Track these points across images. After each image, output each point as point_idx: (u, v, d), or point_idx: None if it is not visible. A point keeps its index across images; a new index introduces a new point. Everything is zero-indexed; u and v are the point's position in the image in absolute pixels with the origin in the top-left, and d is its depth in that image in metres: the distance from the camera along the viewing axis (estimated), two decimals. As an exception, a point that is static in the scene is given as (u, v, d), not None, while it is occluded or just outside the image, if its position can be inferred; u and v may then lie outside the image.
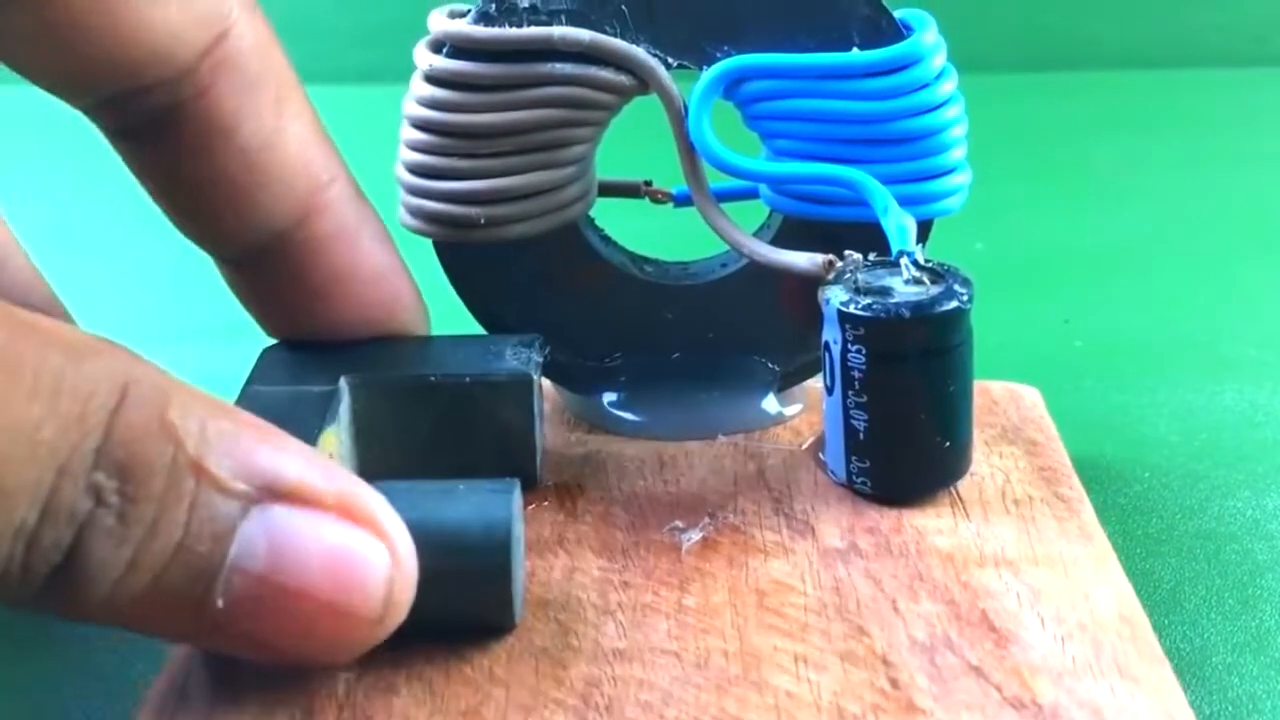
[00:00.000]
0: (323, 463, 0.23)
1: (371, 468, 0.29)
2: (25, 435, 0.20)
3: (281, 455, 0.23)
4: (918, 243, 0.30)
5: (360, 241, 0.30)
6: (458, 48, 0.30)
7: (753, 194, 0.33)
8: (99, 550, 0.21)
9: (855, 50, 0.30)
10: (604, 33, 0.30)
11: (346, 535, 0.23)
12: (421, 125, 0.31)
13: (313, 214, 0.29)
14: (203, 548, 0.22)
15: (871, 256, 0.30)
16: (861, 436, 0.29)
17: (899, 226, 0.29)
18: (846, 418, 0.29)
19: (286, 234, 0.29)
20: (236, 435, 0.22)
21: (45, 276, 0.33)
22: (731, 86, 0.31)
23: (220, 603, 0.22)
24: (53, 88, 0.28)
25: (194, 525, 0.22)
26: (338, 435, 0.29)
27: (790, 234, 0.32)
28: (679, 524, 0.29)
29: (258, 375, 0.30)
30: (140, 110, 0.28)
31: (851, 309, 0.28)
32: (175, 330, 0.46)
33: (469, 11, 0.30)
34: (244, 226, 0.29)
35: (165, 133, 0.28)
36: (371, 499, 0.23)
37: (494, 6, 0.30)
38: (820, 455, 0.31)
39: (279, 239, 0.29)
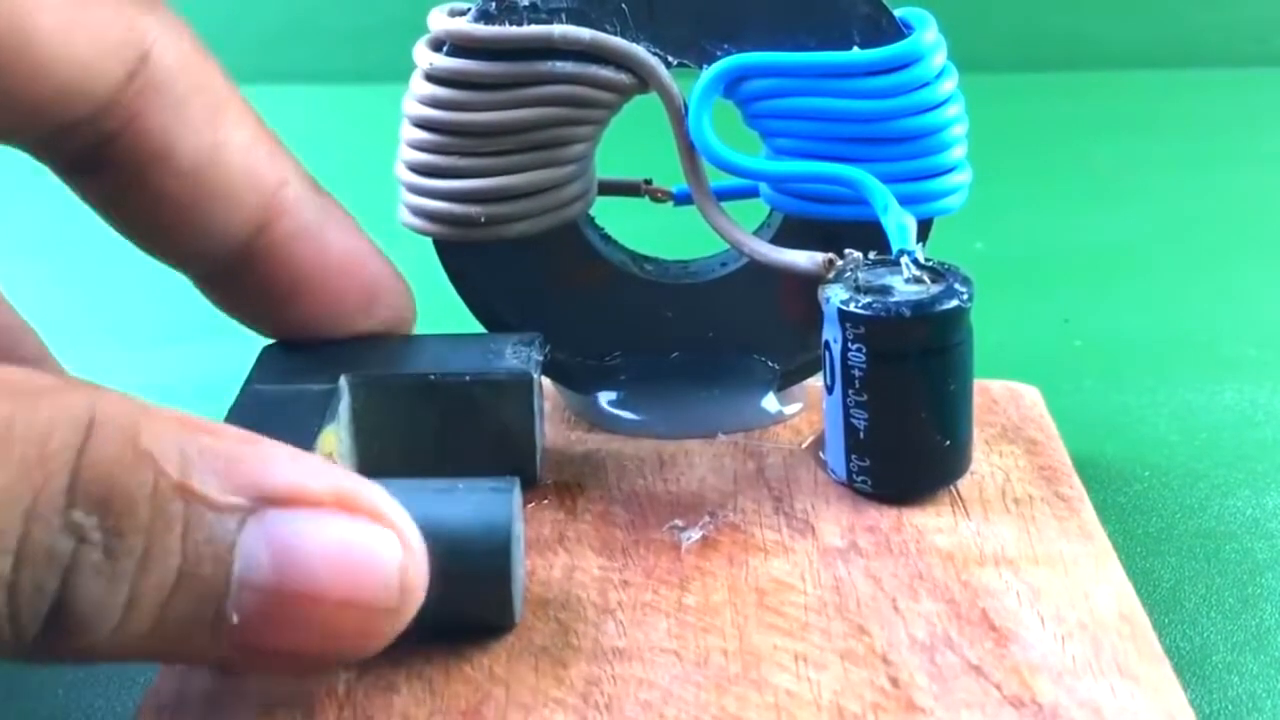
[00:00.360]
0: (313, 462, 0.23)
1: (371, 466, 0.29)
2: None
3: (269, 461, 0.22)
4: (918, 241, 0.30)
5: (325, 236, 0.30)
6: (458, 46, 0.30)
7: (753, 193, 0.33)
8: (90, 591, 0.21)
9: (855, 49, 0.30)
10: (604, 31, 0.30)
11: (349, 529, 0.22)
12: (422, 124, 0.31)
13: (270, 219, 0.29)
14: (205, 570, 0.21)
15: (872, 255, 0.30)
16: (861, 435, 0.29)
17: (899, 225, 0.29)
18: (847, 416, 0.29)
19: (247, 244, 0.29)
20: (218, 450, 0.22)
21: (47, 281, 0.33)
22: (732, 85, 0.31)
23: (235, 619, 0.21)
24: None
25: (191, 549, 0.21)
26: (337, 434, 0.29)
27: (790, 233, 0.32)
28: (679, 523, 0.29)
29: (257, 374, 0.30)
30: (72, 147, 0.28)
31: (852, 307, 0.28)
32: (174, 330, 0.46)
33: (469, 10, 0.30)
34: (202, 244, 0.29)
35: (104, 165, 0.28)
36: (369, 490, 0.23)
37: (494, 5, 0.30)
38: (820, 454, 0.31)
39: (241, 250, 0.29)
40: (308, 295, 0.30)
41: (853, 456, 0.29)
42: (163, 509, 0.21)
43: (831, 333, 0.29)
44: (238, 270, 0.29)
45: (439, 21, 0.31)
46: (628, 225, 0.34)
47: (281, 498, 0.22)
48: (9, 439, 0.20)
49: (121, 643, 0.21)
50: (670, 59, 0.31)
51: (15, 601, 0.20)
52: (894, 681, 0.24)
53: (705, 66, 0.30)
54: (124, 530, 0.21)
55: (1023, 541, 0.28)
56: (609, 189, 0.33)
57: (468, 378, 0.29)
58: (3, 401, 0.21)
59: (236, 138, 0.29)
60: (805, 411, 0.33)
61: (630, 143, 0.35)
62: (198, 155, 0.28)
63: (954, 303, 0.28)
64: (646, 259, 0.34)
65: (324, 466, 0.23)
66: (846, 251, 0.30)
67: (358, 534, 0.22)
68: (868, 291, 0.28)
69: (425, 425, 0.29)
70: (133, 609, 0.21)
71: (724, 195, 0.32)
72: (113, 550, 0.21)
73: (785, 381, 0.33)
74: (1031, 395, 0.34)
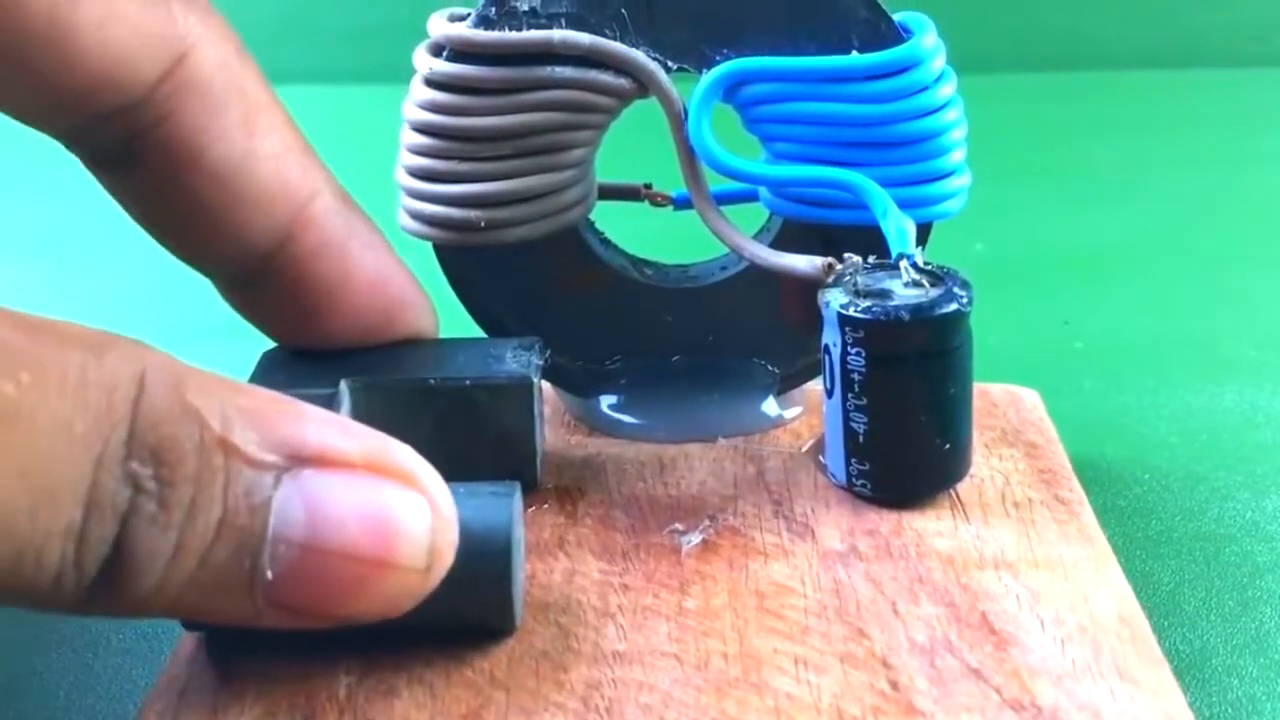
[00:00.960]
0: (345, 424, 0.23)
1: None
2: (61, 432, 0.21)
3: (303, 423, 0.23)
4: (917, 245, 0.30)
5: (349, 252, 0.29)
6: (458, 51, 0.30)
7: (752, 197, 0.33)
8: (145, 538, 0.21)
9: (855, 53, 0.30)
10: (604, 36, 0.30)
11: (380, 491, 0.23)
12: (421, 129, 0.31)
13: (296, 231, 0.29)
14: (242, 521, 0.22)
15: (871, 259, 0.30)
16: (861, 439, 0.29)
17: (898, 229, 0.29)
18: (846, 420, 0.29)
19: (272, 254, 0.29)
20: (256, 409, 0.22)
21: (49, 281, 0.33)
22: (731, 90, 0.31)
23: (269, 575, 0.22)
24: (8, 113, 0.27)
25: (231, 502, 0.22)
26: (338, 438, 0.29)
27: (790, 237, 0.32)
28: (679, 526, 0.29)
29: (257, 379, 0.30)
30: (104, 139, 0.28)
31: (851, 311, 0.28)
32: (175, 330, 0.46)
33: (469, 15, 0.30)
34: (225, 250, 0.29)
35: (134, 161, 0.28)
36: (400, 452, 0.23)
37: (494, 10, 0.30)
38: (820, 458, 0.31)
39: (265, 260, 0.29)
40: (328, 311, 0.30)
41: (852, 460, 0.29)
42: (208, 461, 0.22)
43: (831, 337, 0.29)
44: (260, 280, 0.29)
45: (439, 26, 0.31)
46: (628, 229, 0.34)
47: (315, 458, 0.22)
48: (84, 386, 0.21)
49: (165, 592, 0.22)
50: (670, 64, 0.31)
51: (81, 550, 0.21)
52: (894, 685, 0.24)
53: (705, 71, 0.31)
54: (175, 481, 0.21)
55: (1022, 545, 0.28)
56: (609, 193, 0.33)
57: (468, 382, 0.29)
58: (75, 351, 0.21)
59: (269, 146, 0.28)
60: (805, 415, 0.33)
61: (630, 147, 0.35)
62: (228, 160, 0.28)
63: (953, 306, 0.28)
64: (646, 263, 0.34)
65: (358, 429, 0.23)
66: (846, 255, 0.30)
67: (388, 496, 0.23)
68: (867, 295, 0.28)
69: (425, 430, 0.29)
70: (178, 557, 0.22)
71: (723, 199, 0.32)
72: (165, 500, 0.21)
73: (785, 385, 0.33)
74: (1031, 398, 0.34)
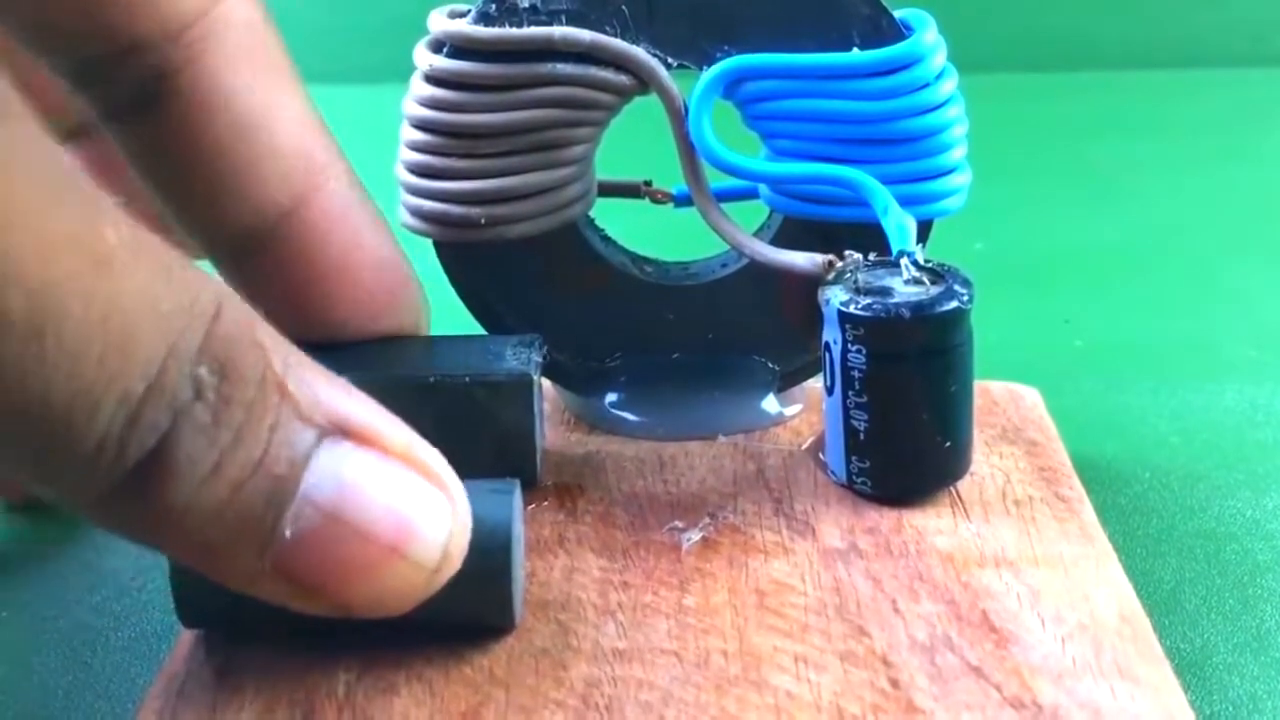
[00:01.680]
0: (390, 415, 0.24)
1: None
2: (148, 301, 0.21)
3: (353, 399, 0.23)
4: (918, 243, 0.30)
5: (360, 231, 0.29)
6: (458, 48, 0.30)
7: (752, 194, 0.33)
8: (189, 444, 0.21)
9: (855, 50, 0.30)
10: (604, 33, 0.30)
11: (411, 482, 0.23)
12: (421, 125, 0.31)
13: (309, 198, 0.29)
14: (279, 470, 0.22)
15: (871, 256, 0.30)
16: (862, 436, 0.29)
17: (899, 226, 0.29)
18: (847, 418, 0.29)
19: (282, 219, 0.29)
20: (314, 371, 0.23)
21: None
22: (731, 86, 0.31)
23: (288, 533, 0.22)
24: (42, 37, 0.27)
25: (273, 446, 0.22)
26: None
27: (790, 234, 0.32)
28: (679, 524, 0.29)
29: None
30: (128, 79, 0.27)
31: (851, 309, 0.28)
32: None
33: (469, 12, 0.30)
34: (238, 208, 0.28)
35: (153, 107, 0.28)
36: (431, 453, 0.24)
37: (494, 7, 0.30)
38: (820, 455, 0.31)
39: (274, 224, 0.29)
40: (326, 294, 0.29)
41: (853, 458, 0.29)
42: (264, 396, 0.22)
43: (831, 334, 0.29)
44: (263, 252, 0.29)
45: (439, 23, 0.31)
46: (628, 226, 0.34)
47: (359, 433, 0.23)
48: (172, 279, 0.21)
49: (188, 516, 0.22)
50: (670, 60, 0.31)
51: (130, 427, 0.21)
52: (894, 683, 0.24)
53: (705, 68, 0.30)
54: (232, 399, 0.22)
55: (1023, 543, 0.28)
56: (609, 190, 0.33)
57: (467, 379, 0.29)
58: (169, 251, 0.21)
59: (291, 106, 0.28)
60: (805, 413, 0.33)
61: (630, 144, 0.35)
62: (252, 112, 0.28)
63: (954, 304, 0.28)
64: (646, 260, 0.34)
65: (398, 420, 0.24)
66: (846, 253, 0.30)
67: (417, 489, 0.23)
68: (868, 293, 0.28)
69: (424, 427, 0.29)
70: (212, 480, 0.22)
71: (724, 196, 0.32)
72: (218, 415, 0.21)
73: (785, 383, 0.33)
74: (1032, 396, 0.34)
